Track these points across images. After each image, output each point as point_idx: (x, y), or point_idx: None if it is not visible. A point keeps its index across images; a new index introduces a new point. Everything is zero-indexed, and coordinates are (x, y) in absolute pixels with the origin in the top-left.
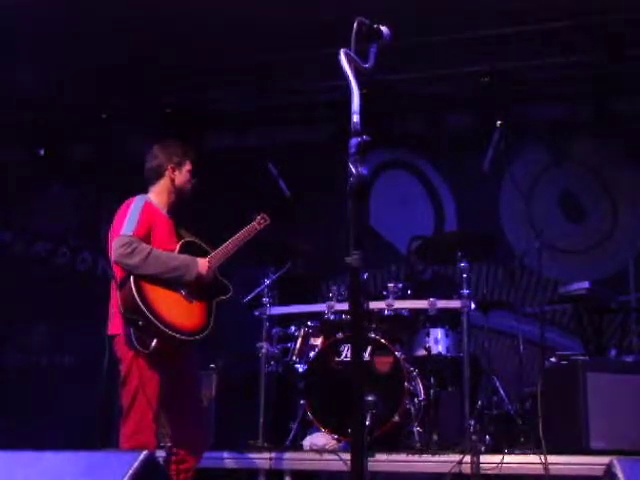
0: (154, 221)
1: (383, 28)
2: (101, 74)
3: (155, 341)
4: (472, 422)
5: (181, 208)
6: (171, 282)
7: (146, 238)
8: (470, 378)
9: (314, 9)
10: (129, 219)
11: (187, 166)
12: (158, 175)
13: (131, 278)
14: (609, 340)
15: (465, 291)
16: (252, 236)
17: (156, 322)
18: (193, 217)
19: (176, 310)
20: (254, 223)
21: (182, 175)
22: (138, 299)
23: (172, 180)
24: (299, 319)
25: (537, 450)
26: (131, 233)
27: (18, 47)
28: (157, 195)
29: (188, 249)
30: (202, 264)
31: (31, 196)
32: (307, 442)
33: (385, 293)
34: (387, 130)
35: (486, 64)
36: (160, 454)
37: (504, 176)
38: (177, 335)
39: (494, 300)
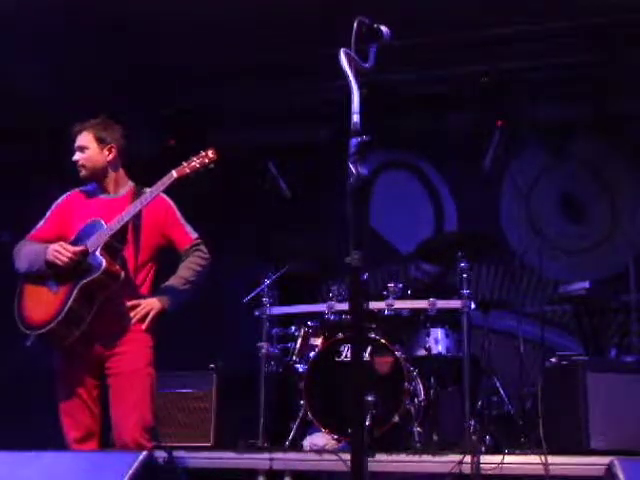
0: (72, 211)
1: (383, 28)
2: (101, 74)
3: (30, 338)
4: (472, 422)
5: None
6: (41, 276)
7: (59, 233)
8: (470, 378)
9: (314, 9)
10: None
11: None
12: None
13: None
14: (609, 340)
15: (465, 291)
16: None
17: (17, 320)
18: (194, 217)
19: (38, 304)
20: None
21: None
22: (15, 300)
23: None
24: (299, 319)
25: (537, 450)
26: (28, 235)
27: (18, 47)
28: None
29: (87, 230)
30: (50, 250)
31: (30, 196)
32: (307, 442)
33: (385, 293)
34: (387, 130)
35: (486, 64)
36: (161, 454)
37: (504, 176)
38: (28, 331)
39: (494, 300)
